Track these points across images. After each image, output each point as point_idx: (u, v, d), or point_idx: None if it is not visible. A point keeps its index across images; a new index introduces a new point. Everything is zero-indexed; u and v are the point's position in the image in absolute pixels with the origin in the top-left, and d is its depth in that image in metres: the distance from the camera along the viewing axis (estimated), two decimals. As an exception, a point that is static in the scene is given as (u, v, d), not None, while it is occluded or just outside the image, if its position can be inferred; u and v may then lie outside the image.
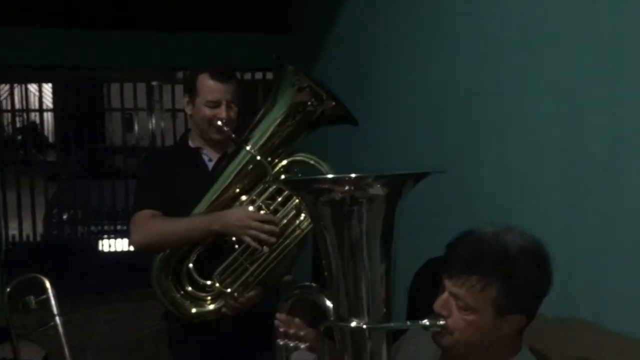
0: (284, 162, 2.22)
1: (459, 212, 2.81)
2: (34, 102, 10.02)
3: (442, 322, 1.39)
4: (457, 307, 1.39)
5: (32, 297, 1.90)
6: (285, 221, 2.19)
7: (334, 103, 2.12)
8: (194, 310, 2.27)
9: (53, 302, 1.90)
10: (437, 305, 1.42)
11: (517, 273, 1.36)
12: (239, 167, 2.22)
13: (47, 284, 1.92)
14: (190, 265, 2.25)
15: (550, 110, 2.21)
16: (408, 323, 1.48)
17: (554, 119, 2.19)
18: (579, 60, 2.06)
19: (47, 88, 13.81)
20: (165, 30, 5.88)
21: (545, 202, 2.22)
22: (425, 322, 1.40)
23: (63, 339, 1.88)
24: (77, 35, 5.72)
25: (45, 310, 1.97)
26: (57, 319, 1.89)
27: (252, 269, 2.21)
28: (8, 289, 1.93)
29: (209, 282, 2.24)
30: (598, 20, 1.98)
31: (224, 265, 2.22)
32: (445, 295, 1.42)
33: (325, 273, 1.38)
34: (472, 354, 1.43)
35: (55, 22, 5.66)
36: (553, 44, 2.19)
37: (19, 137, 9.34)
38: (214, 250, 2.24)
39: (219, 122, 2.28)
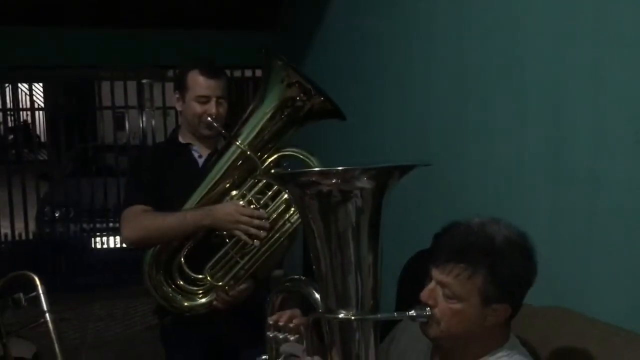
0: (274, 156, 2.23)
1: (446, 204, 2.84)
2: (25, 101, 9.98)
3: (428, 312, 1.41)
4: (443, 296, 1.41)
5: (21, 294, 1.90)
6: (275, 215, 2.21)
7: (322, 98, 2.13)
8: (185, 304, 2.28)
9: (43, 299, 1.90)
10: (424, 295, 1.43)
11: (503, 263, 1.38)
12: (229, 162, 2.23)
13: (37, 281, 1.92)
14: (182, 259, 2.26)
15: (534, 103, 2.23)
16: (395, 314, 1.49)
17: (537, 111, 2.21)
18: (561, 55, 2.08)
19: (38, 87, 13.78)
20: (156, 29, 5.88)
21: (530, 194, 2.25)
22: (412, 312, 1.41)
23: (54, 336, 1.88)
24: (67, 34, 5.72)
25: (37, 307, 1.97)
26: (47, 315, 1.89)
27: (242, 262, 2.22)
28: (-3, 287, 1.93)
29: (200, 276, 2.25)
30: (580, 16, 2.00)
31: (214, 259, 2.23)
32: (432, 284, 1.43)
33: (314, 265, 1.39)
34: (459, 344, 1.44)
35: (45, 21, 5.66)
36: (536, 40, 2.21)
37: (11, 137, 9.31)
38: (205, 244, 2.25)
39: (209, 118, 2.30)
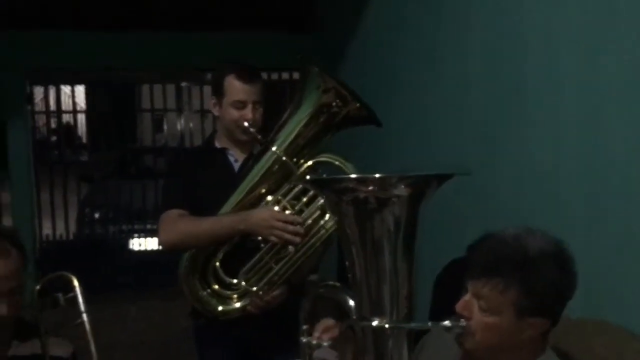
0: (309, 162, 2.23)
1: (481, 212, 2.80)
2: (67, 104, 10.19)
3: (463, 324, 1.39)
4: (479, 309, 1.39)
5: (60, 295, 1.94)
6: (310, 221, 2.21)
7: (358, 104, 2.13)
8: (220, 308, 2.29)
9: (80, 299, 1.94)
10: (459, 307, 1.42)
11: (537, 276, 1.35)
12: (265, 167, 2.24)
13: (75, 282, 1.95)
14: (217, 263, 2.28)
15: (571, 110, 2.19)
16: (430, 324, 1.48)
17: (575, 118, 2.17)
18: (600, 60, 2.04)
19: (80, 90, 14.02)
20: (195, 32, 5.94)
21: (566, 202, 2.21)
22: (447, 323, 1.40)
23: (89, 336, 1.91)
24: (108, 38, 5.81)
25: (75, 307, 2.01)
26: (84, 315, 1.92)
27: (277, 268, 2.23)
28: (38, 287, 1.97)
29: (235, 281, 2.27)
30: (619, 19, 1.95)
31: (249, 264, 2.24)
32: (467, 296, 1.42)
33: (348, 272, 1.39)
34: (493, 356, 1.43)
35: (87, 25, 5.76)
36: (574, 45, 2.17)
37: (53, 138, 9.50)
38: (240, 249, 2.26)
39: (246, 123, 2.31)
